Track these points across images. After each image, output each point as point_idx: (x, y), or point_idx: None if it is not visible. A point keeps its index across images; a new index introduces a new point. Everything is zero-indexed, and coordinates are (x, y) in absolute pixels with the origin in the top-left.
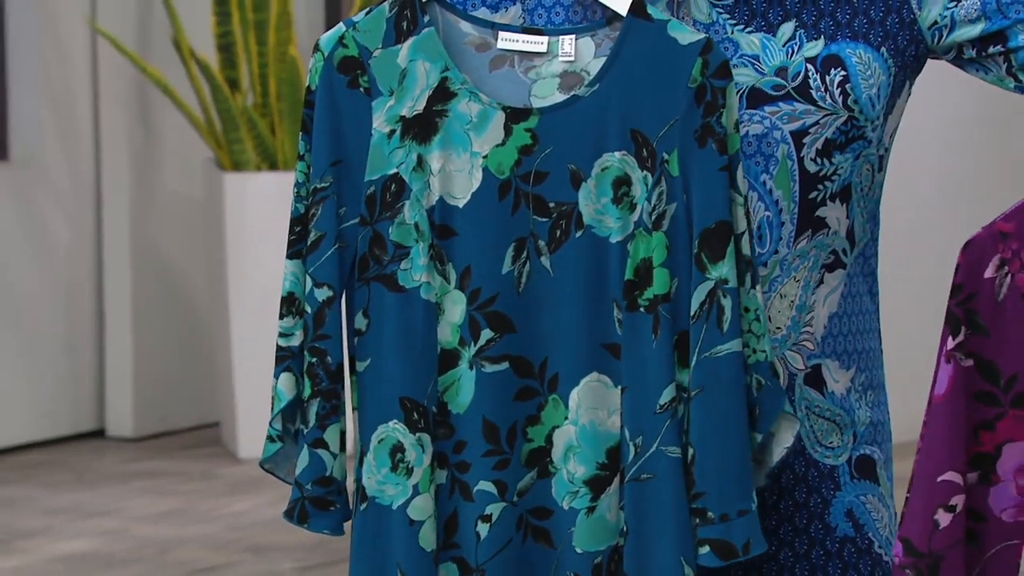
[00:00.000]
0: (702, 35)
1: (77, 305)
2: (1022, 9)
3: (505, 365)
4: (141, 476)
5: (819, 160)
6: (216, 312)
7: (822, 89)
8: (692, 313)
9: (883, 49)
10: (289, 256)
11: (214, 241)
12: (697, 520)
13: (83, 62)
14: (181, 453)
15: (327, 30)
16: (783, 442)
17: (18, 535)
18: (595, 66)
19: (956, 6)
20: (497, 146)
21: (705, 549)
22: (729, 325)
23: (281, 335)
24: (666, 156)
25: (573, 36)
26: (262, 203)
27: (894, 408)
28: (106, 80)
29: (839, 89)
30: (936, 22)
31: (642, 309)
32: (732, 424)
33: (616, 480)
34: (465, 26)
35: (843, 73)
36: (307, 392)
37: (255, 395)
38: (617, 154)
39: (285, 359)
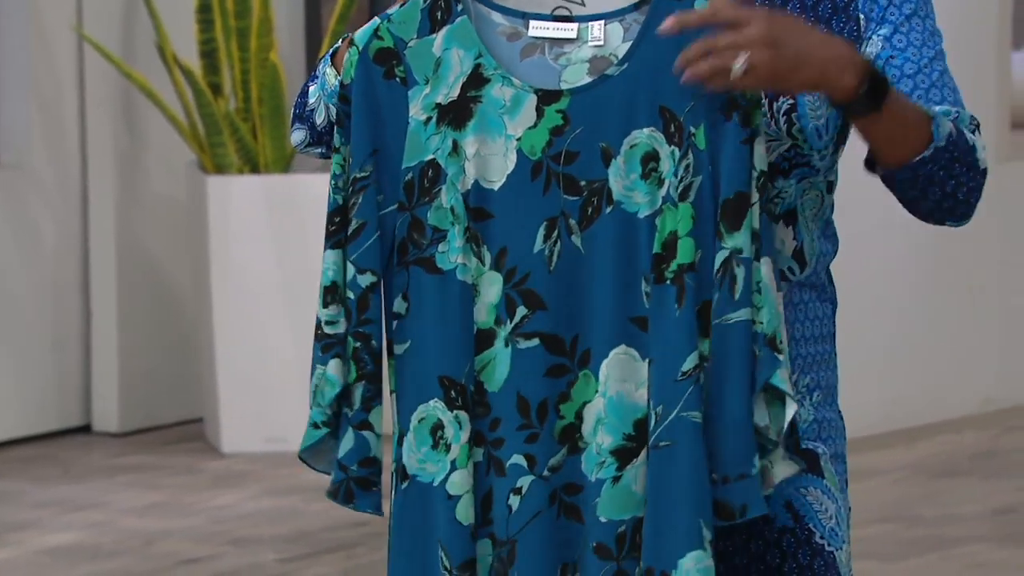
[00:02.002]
0: None
1: (64, 304)
2: (941, 95)
3: (536, 342)
4: (126, 470)
5: None
6: (200, 311)
7: (768, 116)
8: (717, 280)
9: None
10: (331, 246)
11: (198, 242)
12: None
13: (69, 68)
14: (165, 448)
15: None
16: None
17: (6, 528)
18: (624, 50)
19: (888, 63)
20: (530, 128)
21: None
22: (740, 294)
23: (327, 323)
24: (693, 130)
25: (602, 22)
26: (244, 205)
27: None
28: (92, 85)
29: (784, 117)
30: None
31: (668, 281)
32: (736, 390)
33: (643, 453)
34: (496, 16)
35: (790, 102)
36: (352, 376)
37: (237, 392)
38: (646, 130)
39: (333, 346)
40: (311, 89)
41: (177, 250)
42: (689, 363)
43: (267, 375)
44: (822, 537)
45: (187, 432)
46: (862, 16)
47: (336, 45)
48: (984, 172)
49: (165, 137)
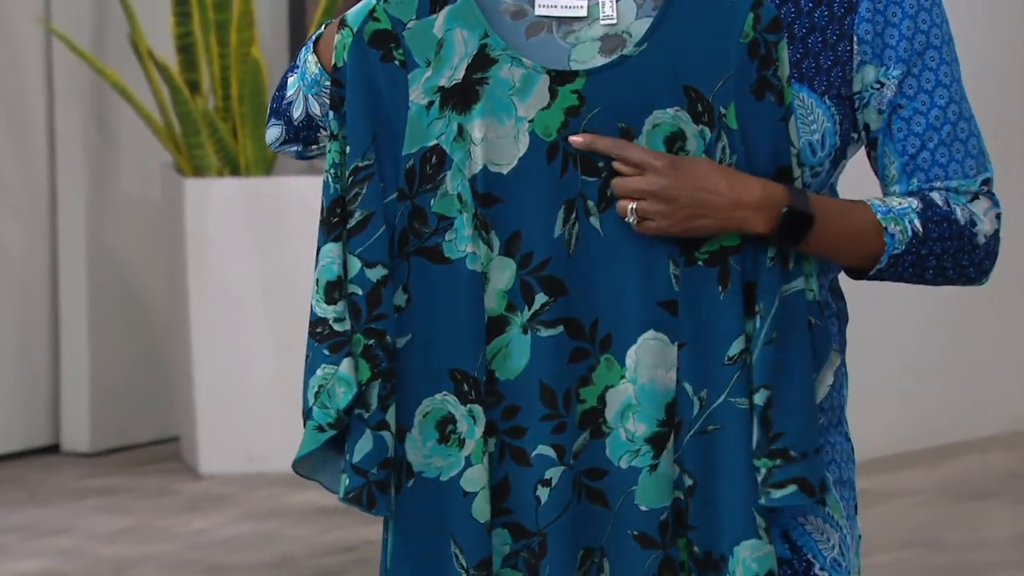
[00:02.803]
0: None
1: (30, 313)
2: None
3: (560, 329)
4: (97, 493)
5: None
6: (176, 322)
7: None
8: (770, 256)
9: (826, 98)
10: (331, 239)
11: (174, 248)
12: (778, 461)
13: (36, 63)
14: (139, 468)
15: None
16: (825, 380)
17: None
18: (638, 27)
19: (877, 90)
20: (543, 109)
21: (791, 488)
22: (794, 263)
23: (335, 320)
24: (723, 110)
25: None
26: (224, 209)
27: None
28: (61, 82)
29: None
30: (859, 91)
31: (701, 263)
32: (804, 362)
33: (672, 436)
34: None
35: (794, 105)
36: (364, 376)
37: (216, 408)
38: (670, 110)
39: (343, 344)
40: (290, 80)
41: (152, 258)
42: (736, 347)
43: (248, 390)
44: (822, 568)
45: (162, 452)
46: (856, 38)
47: (319, 31)
48: (992, 239)
49: (139, 137)
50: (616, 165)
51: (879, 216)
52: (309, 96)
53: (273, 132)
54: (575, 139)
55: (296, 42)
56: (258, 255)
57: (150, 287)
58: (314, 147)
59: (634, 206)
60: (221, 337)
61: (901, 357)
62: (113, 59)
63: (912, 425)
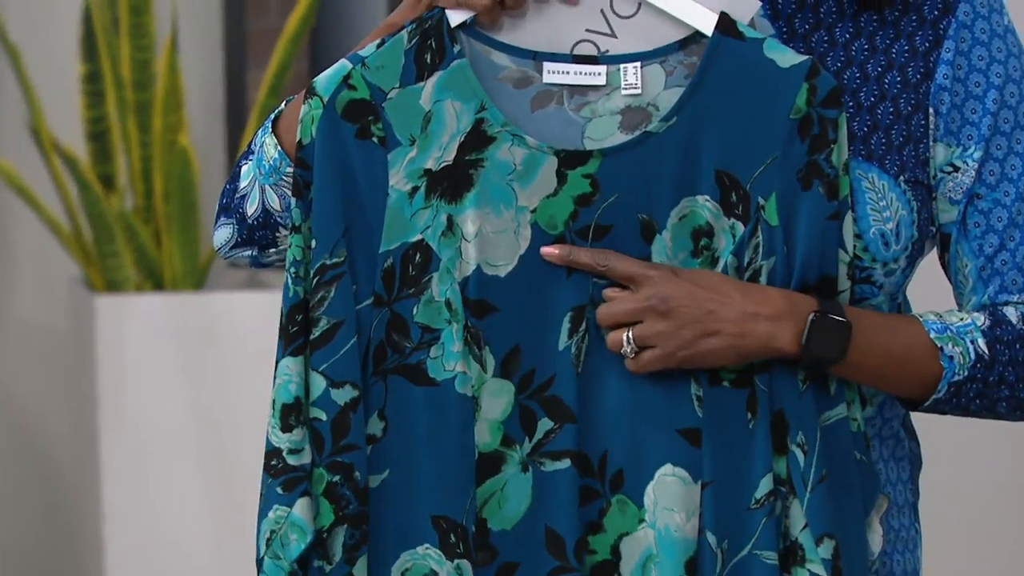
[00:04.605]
0: (805, 56)
1: None
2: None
3: (567, 463)
4: None
5: None
6: (85, 474)
7: None
8: (801, 378)
9: (901, 180)
10: (289, 353)
11: (82, 382)
12: None
13: None
14: None
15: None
16: (874, 528)
17: None
18: (667, 99)
19: (949, 175)
20: (548, 197)
21: None
22: (836, 386)
23: (291, 452)
24: (761, 201)
25: (638, 63)
26: (145, 333)
27: None
28: None
29: None
30: (937, 175)
31: (726, 383)
32: (857, 504)
33: None
34: (499, 57)
35: (849, 199)
36: (327, 520)
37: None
38: (700, 199)
39: (299, 481)
40: (244, 169)
41: (55, 395)
42: (763, 488)
43: (172, 559)
44: None
45: None
46: (933, 110)
47: (280, 108)
48: None
49: (40, 245)
50: (604, 293)
51: (933, 335)
52: (267, 187)
53: (223, 233)
54: (547, 251)
55: (234, 128)
56: (187, 390)
57: (53, 431)
58: (272, 251)
59: (630, 334)
60: (141, 495)
61: (987, 510)
62: (9, 149)
63: None
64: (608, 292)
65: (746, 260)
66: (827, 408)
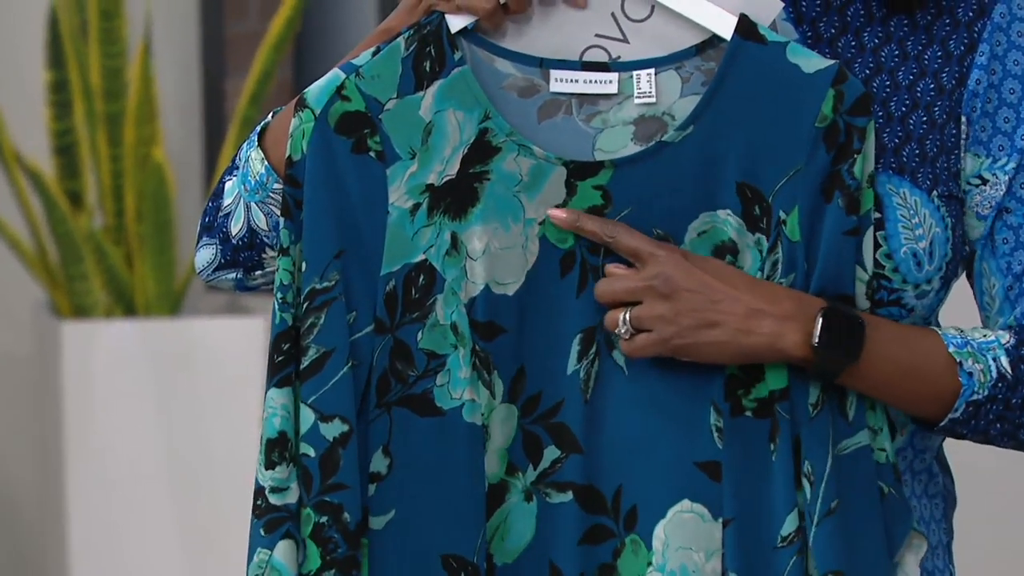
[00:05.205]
0: (831, 61)
1: None
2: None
3: (570, 495)
4: None
5: None
6: (48, 512)
7: None
8: (812, 403)
9: (934, 195)
10: (276, 384)
11: (47, 416)
12: None
13: None
14: None
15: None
16: (912, 572)
17: None
18: (683, 108)
19: (977, 187)
20: (557, 208)
21: None
22: (855, 411)
23: (273, 491)
24: (783, 215)
25: (652, 70)
26: (115, 362)
27: None
28: None
29: None
30: (964, 187)
31: (749, 412)
32: (877, 541)
33: None
34: (503, 65)
35: (876, 215)
36: (313, 564)
37: None
38: (720, 213)
39: (282, 522)
40: (228, 186)
41: (18, 428)
42: (790, 525)
43: None
44: None
45: None
46: (964, 118)
47: (266, 120)
48: None
49: (2, 267)
50: (607, 268)
51: (952, 349)
52: (253, 205)
53: (205, 254)
54: (554, 212)
55: (213, 141)
56: (159, 424)
57: (14, 468)
58: (258, 274)
59: (627, 315)
60: (108, 533)
61: (1020, 554)
62: None
63: None
64: (610, 267)
65: (764, 276)
66: (845, 436)
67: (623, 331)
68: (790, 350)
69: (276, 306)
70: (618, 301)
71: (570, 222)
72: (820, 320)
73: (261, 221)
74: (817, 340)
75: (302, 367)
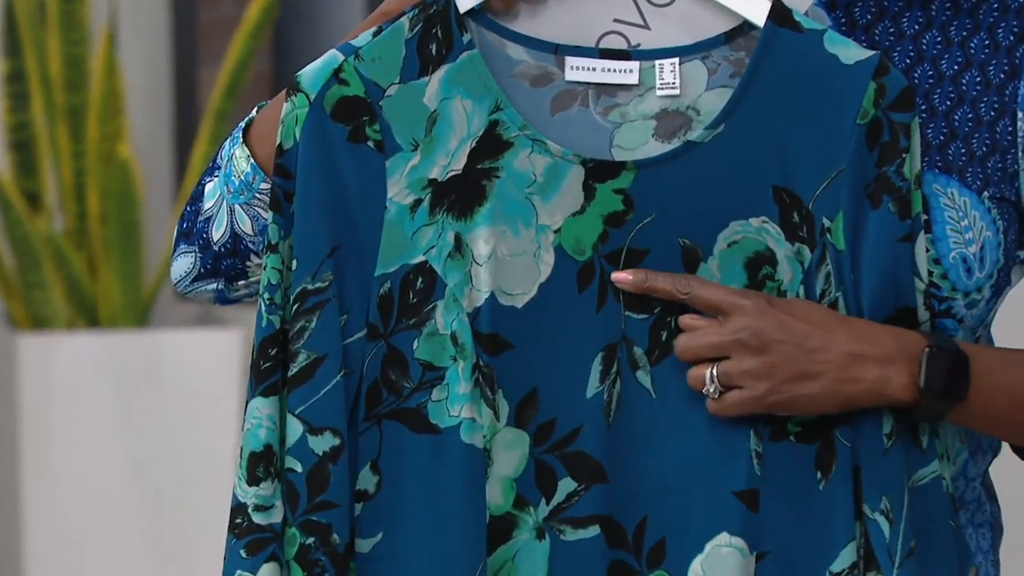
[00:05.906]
0: (872, 51)
1: None
2: None
3: (595, 531)
4: None
5: None
6: (3, 535)
7: None
8: (886, 432)
9: (985, 196)
10: (261, 393)
11: (2, 433)
12: None
13: None
14: None
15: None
16: None
17: None
18: (711, 102)
19: None
20: (574, 215)
21: None
22: (928, 439)
23: (257, 509)
24: (827, 223)
25: (676, 59)
26: (76, 377)
27: None
28: None
29: None
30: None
31: (792, 437)
32: None
33: None
34: (514, 50)
35: (923, 217)
36: None
37: None
38: (753, 222)
39: (267, 543)
40: (208, 188)
41: None
42: (845, 559)
43: None
44: None
45: None
46: (1021, 114)
47: (251, 115)
48: None
49: None
50: (683, 321)
51: None
52: (237, 207)
53: (183, 263)
54: (619, 276)
55: (184, 135)
56: (124, 443)
57: None
58: (241, 283)
59: (714, 371)
60: (67, 558)
61: None
62: None
63: None
64: (689, 320)
65: (818, 292)
66: (920, 466)
67: (711, 389)
68: (897, 395)
69: (263, 308)
70: (701, 357)
71: (638, 284)
72: (925, 363)
73: (246, 225)
74: (925, 384)
75: (290, 374)
